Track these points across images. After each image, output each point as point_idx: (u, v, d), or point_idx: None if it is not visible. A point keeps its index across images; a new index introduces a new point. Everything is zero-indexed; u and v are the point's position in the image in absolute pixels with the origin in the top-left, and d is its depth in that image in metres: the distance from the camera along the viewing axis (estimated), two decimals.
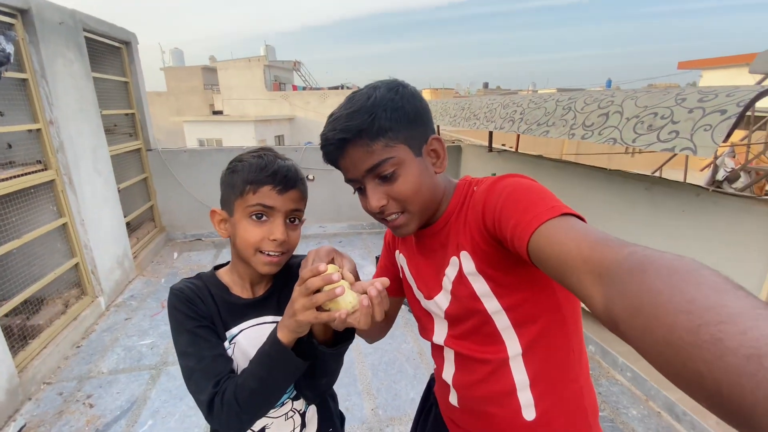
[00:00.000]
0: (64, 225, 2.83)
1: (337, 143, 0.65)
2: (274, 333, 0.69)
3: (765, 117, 4.93)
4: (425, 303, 0.81)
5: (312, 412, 0.90)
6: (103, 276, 3.19)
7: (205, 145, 14.47)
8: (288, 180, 0.74)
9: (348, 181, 0.71)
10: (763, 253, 1.78)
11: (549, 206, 0.54)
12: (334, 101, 17.23)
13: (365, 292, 0.64)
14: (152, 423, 2.08)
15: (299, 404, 0.86)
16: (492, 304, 0.68)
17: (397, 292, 0.93)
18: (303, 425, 0.88)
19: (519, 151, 4.25)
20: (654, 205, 2.36)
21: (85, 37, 3.23)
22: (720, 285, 0.31)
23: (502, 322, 0.69)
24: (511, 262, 0.64)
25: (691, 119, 1.49)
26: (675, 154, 1.54)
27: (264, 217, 0.73)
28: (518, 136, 3.87)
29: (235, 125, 14.56)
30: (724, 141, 1.36)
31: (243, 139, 13.85)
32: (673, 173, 6.16)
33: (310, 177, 4.87)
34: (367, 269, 3.93)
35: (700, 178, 6.45)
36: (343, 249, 4.52)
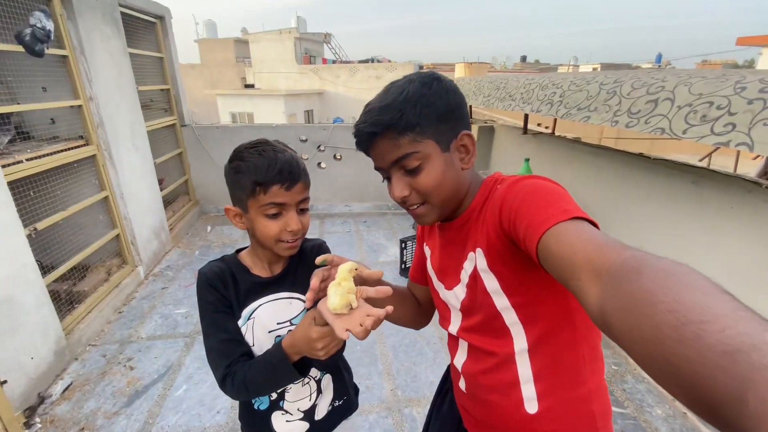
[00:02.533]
0: (106, 198, 2.98)
1: (367, 136, 0.70)
2: (281, 349, 0.78)
3: None
4: (444, 294, 0.84)
5: (327, 380, 0.99)
6: (142, 246, 3.36)
7: (237, 120, 14.77)
8: (293, 175, 0.80)
9: (377, 169, 0.76)
10: None
11: (562, 209, 0.55)
12: (364, 75, 16.98)
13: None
14: (186, 388, 2.22)
15: (315, 372, 0.96)
16: (501, 301, 0.70)
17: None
18: (319, 391, 0.97)
19: (556, 133, 4.06)
20: (699, 200, 2.20)
21: (121, 13, 3.28)
22: (709, 289, 0.32)
23: (510, 317, 0.71)
24: (523, 262, 0.65)
25: (750, 111, 1.36)
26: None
27: (277, 213, 0.81)
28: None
29: (265, 99, 14.74)
30: None
31: (274, 113, 13.96)
32: (722, 159, 5.73)
33: (338, 156, 4.86)
34: (391, 250, 3.95)
35: (752, 166, 5.97)
36: (368, 229, 4.55)
